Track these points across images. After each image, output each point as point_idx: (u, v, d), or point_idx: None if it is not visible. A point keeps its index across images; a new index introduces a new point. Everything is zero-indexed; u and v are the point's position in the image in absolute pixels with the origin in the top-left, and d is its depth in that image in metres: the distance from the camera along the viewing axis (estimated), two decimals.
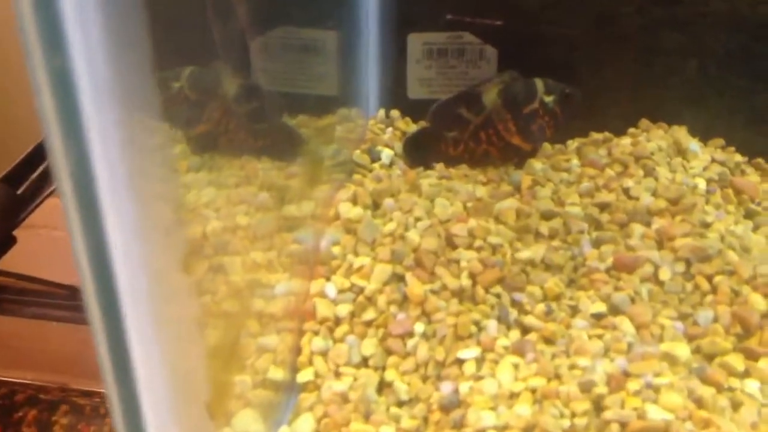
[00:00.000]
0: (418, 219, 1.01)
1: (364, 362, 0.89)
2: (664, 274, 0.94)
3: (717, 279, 0.93)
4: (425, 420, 0.82)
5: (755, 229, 1.07)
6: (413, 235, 0.98)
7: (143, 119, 0.49)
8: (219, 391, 0.70)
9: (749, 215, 1.10)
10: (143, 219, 0.48)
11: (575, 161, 1.19)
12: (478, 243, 0.97)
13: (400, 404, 0.85)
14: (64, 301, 1.22)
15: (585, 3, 1.26)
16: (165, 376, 0.53)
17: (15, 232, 1.30)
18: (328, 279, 0.96)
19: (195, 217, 0.96)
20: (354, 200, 1.06)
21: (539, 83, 1.18)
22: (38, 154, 1.33)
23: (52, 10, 0.39)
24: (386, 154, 1.20)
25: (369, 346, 0.89)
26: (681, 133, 1.23)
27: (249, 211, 0.98)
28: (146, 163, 0.50)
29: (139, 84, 0.46)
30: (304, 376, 0.88)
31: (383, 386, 0.87)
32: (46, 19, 0.38)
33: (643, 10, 1.26)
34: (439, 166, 1.18)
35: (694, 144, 1.22)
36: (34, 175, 1.33)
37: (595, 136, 1.26)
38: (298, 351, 0.90)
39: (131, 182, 0.45)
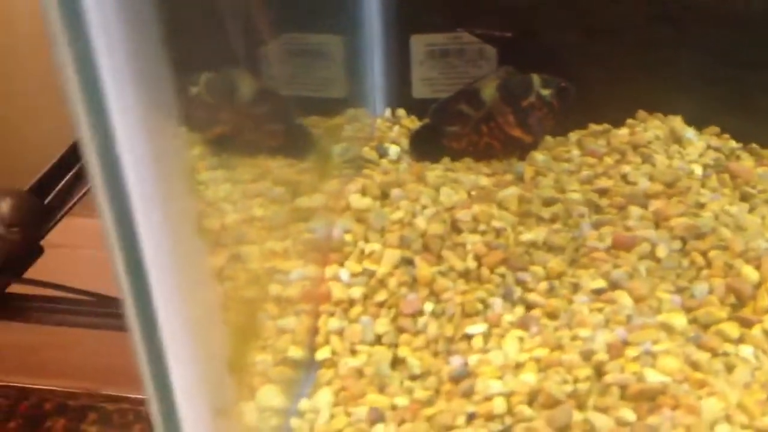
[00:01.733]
0: (424, 207, 1.06)
1: (378, 340, 0.94)
2: (661, 252, 0.99)
3: (711, 254, 0.97)
4: (437, 391, 0.87)
5: (751, 210, 1.12)
6: (420, 222, 1.03)
7: (159, 106, 0.55)
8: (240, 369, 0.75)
9: (745, 198, 1.14)
10: (168, 209, 0.54)
11: (576, 152, 1.24)
12: (482, 227, 1.02)
13: (413, 378, 0.90)
14: (89, 308, 1.25)
15: (576, 2, 1.31)
16: (194, 358, 0.59)
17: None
18: (341, 264, 1.01)
19: (215, 211, 1.02)
20: (363, 192, 1.11)
21: (535, 78, 1.23)
22: (64, 165, 1.37)
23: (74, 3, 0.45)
24: (393, 150, 1.25)
25: (382, 325, 0.94)
26: (677, 122, 1.28)
27: (264, 203, 1.04)
28: (164, 143, 0.55)
29: (154, 70, 0.52)
30: (322, 354, 0.93)
31: (396, 362, 0.92)
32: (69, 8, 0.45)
33: (634, 7, 1.31)
34: (445, 160, 1.23)
35: (689, 132, 1.26)
36: (60, 185, 1.37)
37: (594, 127, 1.31)
38: (315, 331, 0.95)
39: (154, 165, 0.51)
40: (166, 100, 0.58)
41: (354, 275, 0.99)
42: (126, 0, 0.50)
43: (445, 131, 1.25)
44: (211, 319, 0.69)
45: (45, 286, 1.26)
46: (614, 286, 0.95)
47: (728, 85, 1.31)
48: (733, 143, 1.26)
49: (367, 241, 1.03)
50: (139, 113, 0.52)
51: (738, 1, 1.27)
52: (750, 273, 0.93)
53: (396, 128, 1.33)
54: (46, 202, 1.38)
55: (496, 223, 1.03)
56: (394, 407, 0.85)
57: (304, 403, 0.87)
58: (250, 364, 0.85)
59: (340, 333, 0.94)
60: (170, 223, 0.56)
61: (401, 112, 1.37)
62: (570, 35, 1.32)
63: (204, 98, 1.23)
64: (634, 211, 1.06)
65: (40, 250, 1.34)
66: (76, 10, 0.47)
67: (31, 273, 1.29)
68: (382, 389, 0.88)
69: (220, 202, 1.03)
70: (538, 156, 1.24)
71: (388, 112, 1.37)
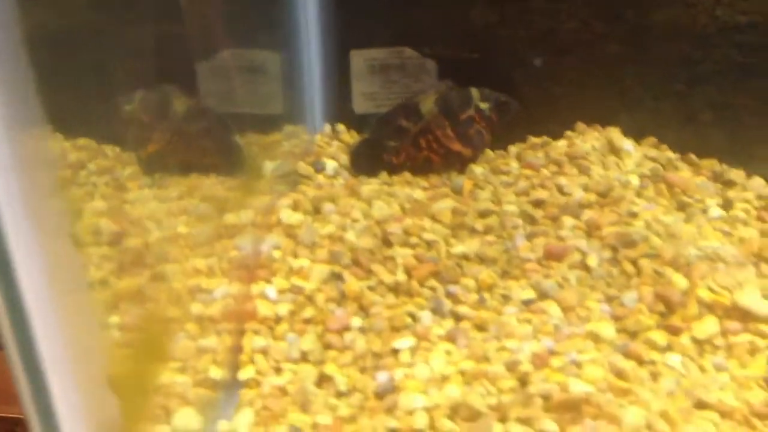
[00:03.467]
0: (355, 221, 1.05)
1: (304, 357, 0.91)
2: (592, 261, 0.98)
3: (641, 262, 0.97)
4: (362, 407, 0.84)
5: (688, 220, 1.11)
6: (351, 236, 1.01)
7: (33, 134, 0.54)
8: (127, 372, 0.73)
9: (682, 207, 1.14)
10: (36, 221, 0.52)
11: (514, 164, 1.24)
12: (413, 240, 1.01)
13: (339, 395, 0.87)
14: None
15: (528, 20, 1.31)
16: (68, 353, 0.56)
17: None
18: (268, 281, 0.99)
19: (139, 230, 1.00)
20: (295, 207, 1.09)
21: (474, 91, 1.23)
22: None
23: None
24: (331, 165, 1.24)
25: (308, 342, 0.92)
26: (614, 133, 1.28)
27: (190, 221, 1.02)
28: (38, 175, 0.54)
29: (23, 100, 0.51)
30: (246, 373, 0.91)
31: (323, 379, 0.90)
32: None
33: (586, 25, 1.32)
34: (383, 175, 1.22)
35: (627, 143, 1.26)
36: None
37: (534, 140, 1.30)
38: (239, 350, 0.93)
39: (25, 194, 0.49)
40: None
41: (281, 292, 0.97)
42: None
43: (385, 146, 1.23)
44: (94, 341, 0.67)
45: None
46: (544, 296, 0.94)
47: (673, 100, 1.31)
48: (671, 154, 1.26)
49: (296, 256, 1.01)
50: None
51: (685, 18, 1.27)
52: (679, 280, 0.93)
53: (335, 143, 1.31)
54: None
55: (427, 236, 1.02)
56: (315, 426, 0.82)
57: (223, 425, 0.84)
58: (164, 386, 0.83)
59: (265, 351, 0.92)
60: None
61: (341, 127, 1.36)
62: (517, 53, 1.32)
63: (138, 116, 1.22)
64: (568, 221, 1.05)
65: None
66: None
67: None
68: (305, 408, 0.85)
69: (145, 221, 1.01)
70: (477, 169, 1.23)
71: (327, 128, 1.35)
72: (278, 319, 0.95)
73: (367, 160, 1.25)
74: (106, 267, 0.94)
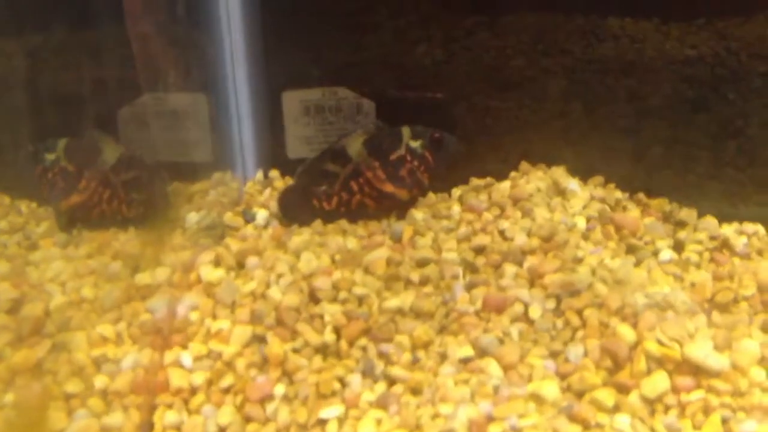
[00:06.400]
0: (280, 275, 0.97)
1: None
2: (534, 312, 0.91)
3: (586, 313, 0.90)
4: None
5: (638, 263, 1.05)
6: (274, 293, 0.94)
7: None
8: None
9: (631, 250, 1.08)
10: None
11: (456, 208, 1.17)
12: (342, 295, 0.94)
13: None
14: None
15: (474, 59, 1.26)
16: None
17: None
18: (184, 347, 0.90)
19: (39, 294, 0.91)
20: (216, 262, 1.01)
21: (405, 130, 1.17)
22: None
23: None
24: (261, 214, 1.16)
25: (226, 416, 0.83)
26: (559, 173, 1.22)
27: (98, 282, 0.93)
28: None
29: None
30: None
31: None
32: None
33: (532, 62, 1.27)
34: (316, 223, 1.14)
35: (573, 183, 1.21)
36: None
37: (477, 182, 1.24)
38: (149, 427, 0.84)
39: None
40: None
41: (198, 359, 0.88)
42: None
43: (314, 192, 1.16)
44: None
45: None
46: (483, 353, 0.86)
47: (620, 136, 1.26)
48: (619, 193, 1.21)
49: (215, 318, 0.93)
50: None
51: (632, 53, 1.23)
52: (626, 332, 0.86)
53: (267, 191, 1.24)
54: None
55: (358, 290, 0.94)
56: None
57: None
58: None
59: (178, 428, 0.83)
60: None
61: (275, 173, 1.28)
62: (460, 90, 1.27)
63: (62, 165, 1.13)
64: (509, 269, 0.99)
65: None
66: None
67: None
68: None
69: (48, 285, 0.92)
70: (418, 214, 1.16)
71: (259, 175, 1.28)
72: (194, 390, 0.86)
73: (297, 208, 1.17)
74: (1, 338, 0.86)
